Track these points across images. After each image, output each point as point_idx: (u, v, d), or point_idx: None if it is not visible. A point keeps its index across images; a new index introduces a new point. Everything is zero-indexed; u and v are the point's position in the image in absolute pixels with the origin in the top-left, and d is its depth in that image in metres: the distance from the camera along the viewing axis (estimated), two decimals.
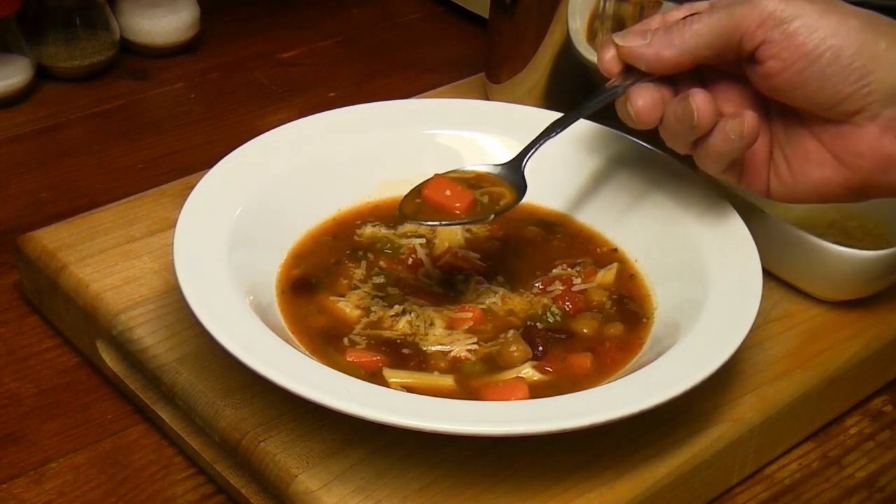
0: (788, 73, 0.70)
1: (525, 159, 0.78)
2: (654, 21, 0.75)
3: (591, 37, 0.91)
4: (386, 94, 1.10)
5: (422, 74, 1.16)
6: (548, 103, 0.94)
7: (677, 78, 0.74)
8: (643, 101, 0.73)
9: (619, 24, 0.90)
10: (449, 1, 1.27)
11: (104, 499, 0.73)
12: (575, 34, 0.92)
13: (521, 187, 0.77)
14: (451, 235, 0.82)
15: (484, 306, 0.77)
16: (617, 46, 0.74)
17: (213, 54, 1.18)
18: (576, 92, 0.94)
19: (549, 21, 0.93)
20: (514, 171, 0.77)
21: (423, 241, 0.82)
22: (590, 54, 0.92)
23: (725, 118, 0.72)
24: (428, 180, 0.77)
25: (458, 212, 0.75)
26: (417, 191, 0.76)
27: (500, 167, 0.78)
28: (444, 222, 0.76)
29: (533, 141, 0.78)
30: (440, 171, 0.77)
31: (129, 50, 1.15)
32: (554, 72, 0.95)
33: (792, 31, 0.69)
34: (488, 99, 1.01)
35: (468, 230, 0.83)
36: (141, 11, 1.14)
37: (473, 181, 0.77)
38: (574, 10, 0.91)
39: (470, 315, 0.76)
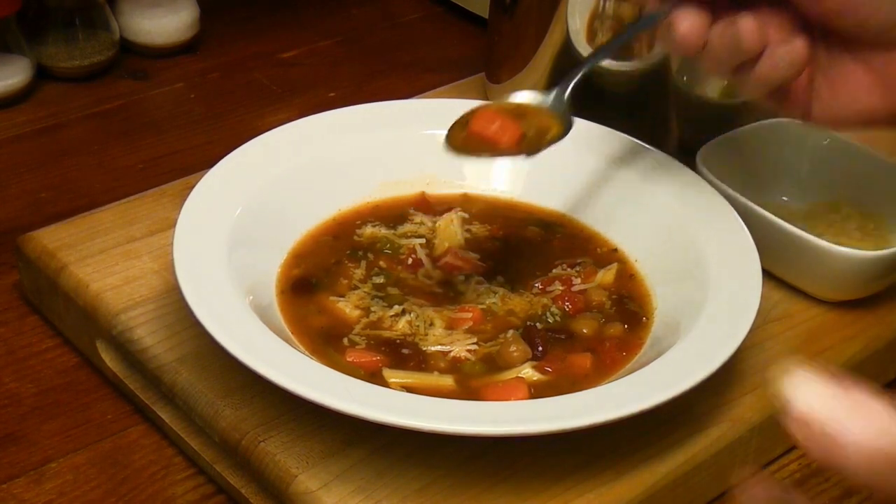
0: None
1: (569, 88, 0.75)
2: None
3: (591, 37, 0.91)
4: (386, 94, 1.09)
5: (422, 74, 1.16)
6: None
7: (718, 3, 0.71)
8: (687, 24, 0.70)
9: (620, 25, 0.90)
10: (449, 1, 1.27)
11: (104, 499, 0.73)
12: (575, 34, 0.92)
13: (567, 117, 0.75)
14: (451, 236, 0.82)
15: (484, 306, 0.77)
16: None
17: (213, 54, 1.18)
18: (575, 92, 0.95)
19: (549, 21, 0.93)
20: (559, 100, 0.75)
21: (422, 241, 0.82)
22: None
23: (773, 45, 0.70)
24: (475, 110, 0.74)
25: (505, 145, 0.73)
26: (464, 122, 0.74)
27: (543, 97, 0.76)
28: (492, 155, 0.74)
29: (575, 68, 0.76)
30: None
31: (129, 50, 1.15)
32: (554, 72, 0.95)
33: None
34: (488, 99, 1.01)
35: (468, 230, 0.83)
36: (141, 11, 1.14)
37: (517, 111, 0.75)
38: (574, 10, 0.91)
39: (470, 315, 0.76)
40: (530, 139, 0.74)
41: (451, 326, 0.75)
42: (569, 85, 0.76)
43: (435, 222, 0.83)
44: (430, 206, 0.86)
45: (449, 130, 0.74)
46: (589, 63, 0.76)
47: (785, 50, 0.69)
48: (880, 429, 0.43)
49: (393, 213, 0.84)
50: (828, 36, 0.72)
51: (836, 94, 0.72)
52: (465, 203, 0.86)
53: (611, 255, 0.82)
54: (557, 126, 0.75)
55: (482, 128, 0.73)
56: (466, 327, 0.75)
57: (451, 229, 0.82)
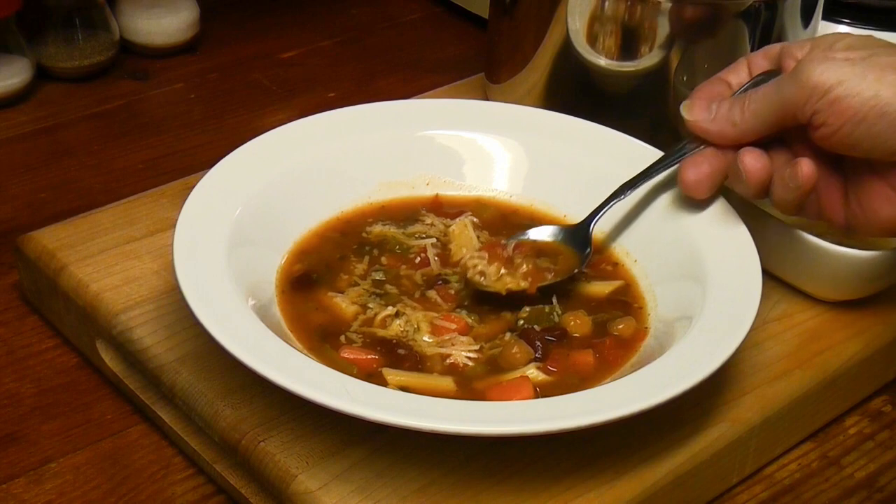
0: (840, 135, 0.72)
1: (593, 223, 0.81)
2: (741, 72, 0.80)
3: (591, 37, 0.91)
4: (386, 94, 1.10)
5: (422, 74, 1.16)
6: (547, 104, 0.94)
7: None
8: (693, 175, 0.78)
9: (619, 25, 0.90)
10: (449, 1, 1.27)
11: (104, 499, 0.73)
12: (574, 35, 0.92)
13: (584, 249, 0.80)
14: (466, 241, 0.82)
15: (469, 320, 0.76)
16: (684, 118, 0.78)
17: (213, 54, 1.18)
18: (575, 92, 0.95)
19: (549, 21, 0.93)
20: (581, 234, 0.80)
21: (433, 240, 0.82)
22: (589, 55, 0.92)
23: (782, 168, 0.75)
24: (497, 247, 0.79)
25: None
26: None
27: (563, 233, 0.81)
28: (508, 288, 0.77)
29: (602, 203, 0.81)
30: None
31: (129, 50, 1.15)
32: (553, 72, 0.95)
33: (834, 97, 0.71)
34: (488, 99, 1.01)
35: (478, 236, 0.83)
36: (141, 11, 1.14)
37: (538, 250, 0.80)
38: (574, 10, 0.91)
39: (454, 326, 0.76)
40: (546, 272, 0.79)
41: (434, 333, 0.75)
42: (593, 219, 0.81)
43: (447, 225, 0.83)
44: (440, 207, 0.86)
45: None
46: (615, 200, 0.81)
47: (791, 171, 0.74)
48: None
49: (403, 213, 0.84)
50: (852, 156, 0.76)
51: (864, 207, 0.76)
52: (477, 207, 0.86)
53: (612, 271, 0.82)
54: (574, 257, 0.80)
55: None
56: (448, 337, 0.75)
57: (466, 234, 0.82)
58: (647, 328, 0.76)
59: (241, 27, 1.22)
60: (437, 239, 0.83)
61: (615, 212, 0.84)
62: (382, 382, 0.71)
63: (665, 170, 0.80)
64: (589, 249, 0.80)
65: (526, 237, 0.81)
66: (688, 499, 0.73)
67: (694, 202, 0.81)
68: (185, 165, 1.01)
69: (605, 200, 0.81)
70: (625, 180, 0.84)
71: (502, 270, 0.77)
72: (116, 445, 0.76)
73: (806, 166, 0.74)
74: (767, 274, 0.79)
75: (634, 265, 0.81)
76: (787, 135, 0.77)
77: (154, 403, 0.77)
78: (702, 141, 0.79)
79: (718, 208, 0.80)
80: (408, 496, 0.68)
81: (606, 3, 0.90)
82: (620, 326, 0.76)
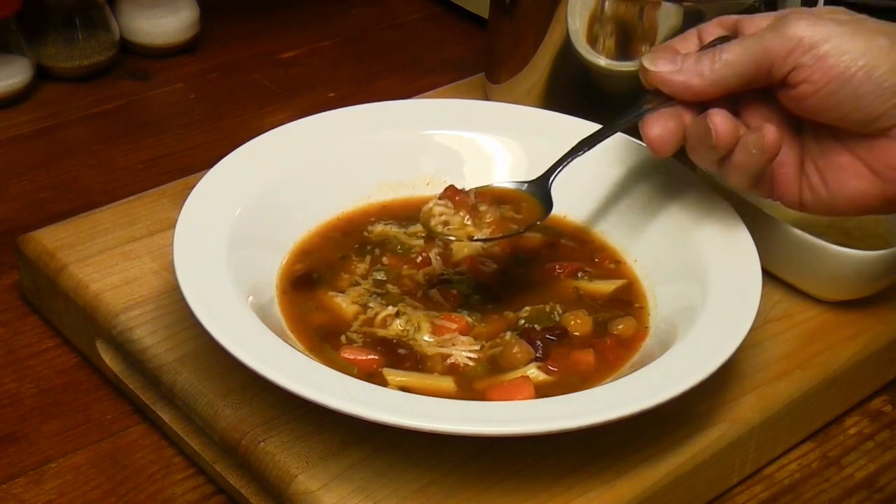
0: (821, 95, 0.70)
1: (552, 177, 0.78)
2: (692, 39, 0.76)
3: (591, 37, 0.91)
4: (386, 94, 1.10)
5: (422, 74, 1.16)
6: (547, 103, 0.94)
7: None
8: (657, 131, 0.74)
9: (619, 25, 0.90)
10: (449, 1, 1.27)
11: (104, 499, 0.73)
12: (575, 34, 0.92)
13: (547, 204, 0.77)
14: (469, 243, 0.82)
15: (470, 320, 0.77)
16: (645, 69, 0.74)
17: (213, 54, 1.18)
18: (575, 92, 0.95)
19: (549, 21, 0.93)
20: (542, 187, 0.78)
21: (469, 241, 0.82)
22: (589, 55, 0.92)
23: (747, 133, 0.72)
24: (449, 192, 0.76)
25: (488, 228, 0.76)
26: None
27: (527, 184, 0.78)
28: (473, 237, 0.75)
29: (560, 159, 0.78)
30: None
31: (129, 50, 1.15)
32: (553, 72, 0.95)
33: (822, 53, 0.70)
34: (488, 99, 1.01)
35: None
36: (141, 11, 1.14)
37: (501, 197, 0.77)
38: (574, 10, 0.91)
39: (455, 326, 0.76)
40: (511, 222, 0.76)
41: (435, 333, 0.75)
42: (551, 174, 0.78)
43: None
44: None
45: (426, 209, 0.76)
46: (573, 156, 0.78)
47: (756, 136, 0.71)
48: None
49: (402, 213, 0.84)
50: (816, 126, 0.74)
51: (828, 182, 0.74)
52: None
53: (615, 269, 0.82)
54: (538, 209, 0.77)
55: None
56: (448, 336, 0.75)
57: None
58: (647, 328, 0.76)
59: (241, 27, 1.22)
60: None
61: (615, 211, 0.84)
62: (383, 382, 0.71)
63: (624, 126, 0.77)
64: (552, 207, 0.77)
65: (487, 186, 0.79)
66: (688, 499, 0.73)
67: (694, 202, 0.81)
68: (185, 165, 1.01)
69: (563, 156, 0.78)
70: (624, 179, 0.85)
71: (467, 219, 0.75)
72: (116, 445, 0.76)
73: (771, 131, 0.71)
74: (767, 274, 0.79)
75: (635, 265, 0.81)
76: (740, 104, 0.74)
77: (154, 403, 0.77)
78: (663, 97, 0.75)
79: (718, 208, 0.80)
80: (408, 496, 0.68)
81: (606, 3, 0.90)
82: (621, 326, 0.76)
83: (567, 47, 0.93)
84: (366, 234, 0.83)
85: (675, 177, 0.83)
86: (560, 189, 0.86)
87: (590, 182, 0.85)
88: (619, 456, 0.71)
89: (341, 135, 0.86)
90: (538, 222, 0.77)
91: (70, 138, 1.05)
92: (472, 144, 0.87)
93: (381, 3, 1.30)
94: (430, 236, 0.78)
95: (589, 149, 0.78)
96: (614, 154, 0.85)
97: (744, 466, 0.76)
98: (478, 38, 1.20)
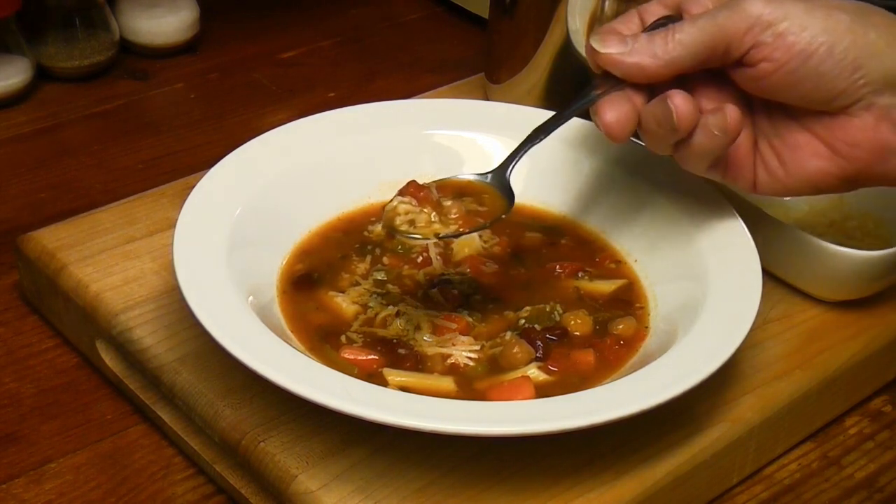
0: (781, 73, 0.69)
1: (510, 167, 0.76)
2: (633, 20, 0.74)
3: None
4: (386, 94, 1.10)
5: (422, 74, 1.16)
6: (547, 103, 0.94)
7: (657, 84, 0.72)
8: (612, 115, 0.71)
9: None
10: (449, 1, 1.27)
11: (104, 499, 0.73)
12: (574, 34, 0.92)
13: (509, 195, 0.75)
14: (471, 242, 0.82)
15: (470, 320, 0.76)
16: (594, 51, 0.72)
17: (213, 54, 1.18)
18: (575, 92, 0.94)
19: (549, 21, 0.93)
20: (501, 179, 0.76)
21: (434, 240, 0.82)
22: None
23: (706, 114, 0.70)
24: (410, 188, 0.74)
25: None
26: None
27: (487, 175, 0.76)
28: (439, 235, 0.73)
29: (517, 149, 0.76)
30: (438, 176, 0.76)
31: (129, 50, 1.15)
32: (553, 72, 0.95)
33: (782, 31, 0.68)
34: (488, 99, 1.01)
35: (480, 236, 0.83)
36: (141, 11, 1.14)
37: (461, 190, 0.76)
38: (574, 10, 0.91)
39: (455, 326, 0.76)
40: (476, 215, 0.74)
41: (435, 332, 0.75)
42: (509, 165, 0.76)
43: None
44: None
45: (387, 210, 0.74)
46: (530, 144, 0.75)
47: (718, 117, 0.70)
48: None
49: None
50: (769, 105, 0.73)
51: (784, 161, 0.73)
52: None
53: (615, 269, 0.82)
54: (501, 202, 0.75)
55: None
56: (449, 336, 0.75)
57: (469, 236, 0.82)
58: (647, 328, 0.76)
59: (241, 27, 1.22)
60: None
61: (615, 211, 0.84)
62: (383, 382, 0.71)
63: (576, 111, 0.74)
64: (513, 198, 0.75)
65: (447, 179, 0.76)
66: (688, 499, 0.73)
67: (694, 202, 0.81)
68: (185, 165, 1.01)
69: (519, 146, 0.75)
70: (624, 179, 0.84)
71: (433, 215, 0.73)
72: (116, 445, 0.76)
73: (733, 111, 0.70)
74: (767, 274, 0.79)
75: (635, 265, 0.81)
76: (690, 86, 0.72)
77: (154, 403, 0.77)
78: (611, 81, 0.72)
79: (719, 208, 0.80)
80: (408, 496, 0.68)
81: (606, 3, 0.90)
82: (621, 326, 0.76)
83: (567, 47, 0.93)
84: (366, 233, 0.83)
85: (676, 177, 0.83)
86: (560, 189, 0.86)
87: (590, 182, 0.85)
88: (619, 456, 0.71)
89: (341, 135, 0.86)
90: (503, 216, 0.75)
91: (70, 138, 1.05)
92: (472, 144, 0.87)
93: (381, 3, 1.30)
94: (391, 235, 0.75)
95: (545, 137, 0.75)
96: (614, 154, 0.85)
97: (744, 466, 0.76)
98: (478, 38, 1.20)
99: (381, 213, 0.84)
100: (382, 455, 0.70)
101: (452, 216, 0.74)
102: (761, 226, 0.81)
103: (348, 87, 1.14)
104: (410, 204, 0.74)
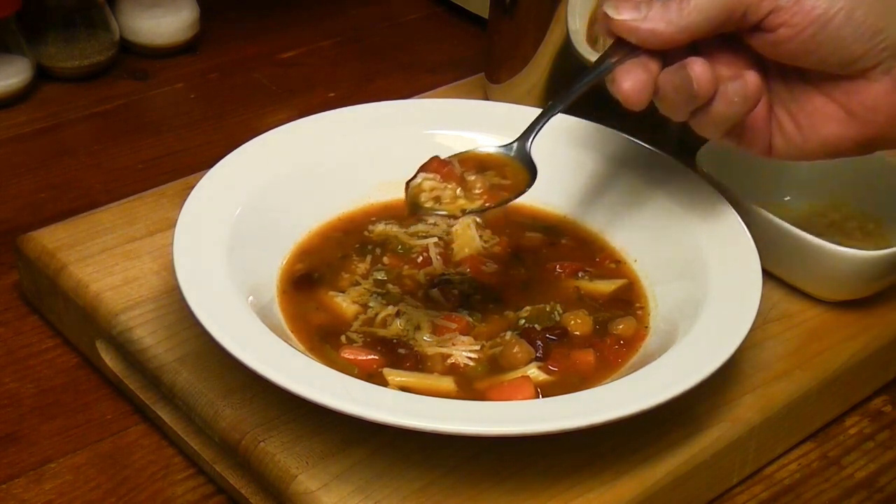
0: (800, 38, 0.68)
1: (530, 138, 0.74)
2: None
3: (591, 37, 0.91)
4: (386, 94, 1.10)
5: (422, 74, 1.16)
6: (547, 104, 0.94)
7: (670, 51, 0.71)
8: (630, 83, 0.70)
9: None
10: (449, 1, 1.27)
11: (104, 499, 0.73)
12: (575, 34, 0.92)
13: (531, 167, 0.74)
14: (469, 241, 0.82)
15: (470, 320, 0.77)
16: (608, 18, 0.71)
17: (213, 54, 1.18)
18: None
19: (549, 21, 0.93)
20: (522, 150, 0.74)
21: (435, 239, 0.82)
22: (589, 55, 0.92)
23: (725, 81, 0.70)
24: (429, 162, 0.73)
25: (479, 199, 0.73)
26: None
27: (510, 147, 0.75)
28: (466, 210, 0.72)
29: (536, 119, 0.75)
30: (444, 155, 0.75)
31: (129, 50, 1.15)
32: (554, 72, 0.95)
33: None
34: (488, 99, 1.01)
35: (481, 236, 0.83)
36: (141, 11, 1.14)
37: (482, 163, 0.74)
38: (574, 10, 0.91)
39: (455, 326, 0.76)
40: (499, 188, 0.73)
41: (435, 332, 0.75)
42: (529, 137, 0.75)
43: (450, 225, 0.83)
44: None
45: (410, 186, 0.72)
46: (547, 116, 0.75)
47: (738, 84, 0.69)
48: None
49: (404, 213, 0.84)
50: (785, 70, 0.72)
51: (801, 126, 0.72)
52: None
53: (615, 269, 0.82)
54: (524, 174, 0.74)
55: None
56: (448, 336, 0.75)
57: (468, 234, 0.82)
58: (647, 328, 0.76)
59: (241, 27, 1.22)
60: (440, 238, 0.83)
61: (615, 211, 0.84)
62: (383, 382, 0.71)
63: (593, 80, 0.72)
64: (536, 171, 0.74)
65: (469, 152, 0.75)
66: (688, 499, 0.73)
67: (694, 202, 0.81)
68: (185, 165, 1.01)
69: (539, 116, 0.75)
70: (625, 179, 0.84)
71: (459, 191, 0.72)
72: (116, 445, 0.76)
73: (753, 78, 0.69)
74: (767, 274, 0.79)
75: (635, 265, 0.81)
76: (705, 52, 0.71)
77: (154, 403, 0.77)
78: (626, 48, 0.70)
79: (718, 209, 0.80)
80: (408, 496, 0.68)
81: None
82: (621, 326, 0.76)
83: (567, 47, 0.93)
84: (366, 233, 0.83)
85: (676, 177, 0.83)
86: (560, 189, 0.86)
87: (590, 182, 0.85)
88: (619, 456, 0.71)
89: (341, 135, 0.86)
90: (527, 188, 0.73)
91: (70, 138, 1.05)
92: (471, 144, 0.87)
93: (381, 3, 1.30)
94: (414, 213, 0.73)
95: (563, 106, 0.74)
96: (614, 154, 0.85)
97: (744, 466, 0.76)
98: (478, 38, 1.20)
99: (381, 212, 0.84)
100: (382, 455, 0.70)
101: (477, 191, 0.72)
102: (761, 226, 0.81)
103: (348, 87, 1.14)
104: (435, 180, 0.72)
